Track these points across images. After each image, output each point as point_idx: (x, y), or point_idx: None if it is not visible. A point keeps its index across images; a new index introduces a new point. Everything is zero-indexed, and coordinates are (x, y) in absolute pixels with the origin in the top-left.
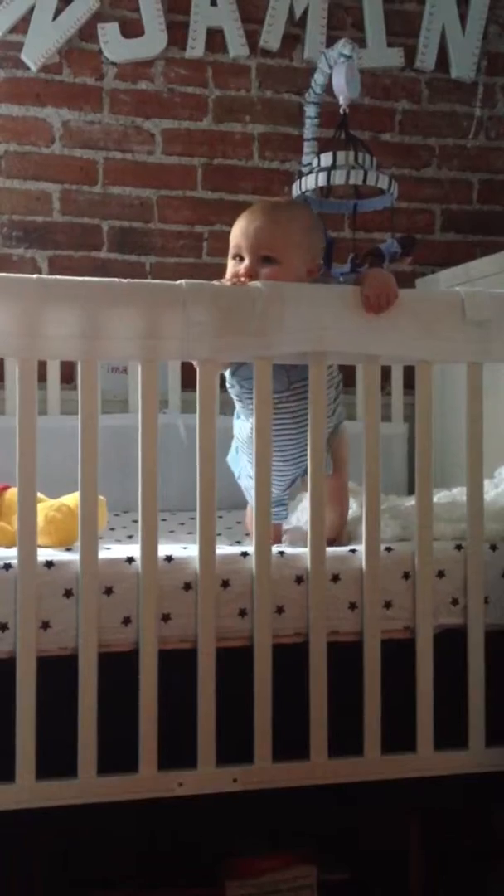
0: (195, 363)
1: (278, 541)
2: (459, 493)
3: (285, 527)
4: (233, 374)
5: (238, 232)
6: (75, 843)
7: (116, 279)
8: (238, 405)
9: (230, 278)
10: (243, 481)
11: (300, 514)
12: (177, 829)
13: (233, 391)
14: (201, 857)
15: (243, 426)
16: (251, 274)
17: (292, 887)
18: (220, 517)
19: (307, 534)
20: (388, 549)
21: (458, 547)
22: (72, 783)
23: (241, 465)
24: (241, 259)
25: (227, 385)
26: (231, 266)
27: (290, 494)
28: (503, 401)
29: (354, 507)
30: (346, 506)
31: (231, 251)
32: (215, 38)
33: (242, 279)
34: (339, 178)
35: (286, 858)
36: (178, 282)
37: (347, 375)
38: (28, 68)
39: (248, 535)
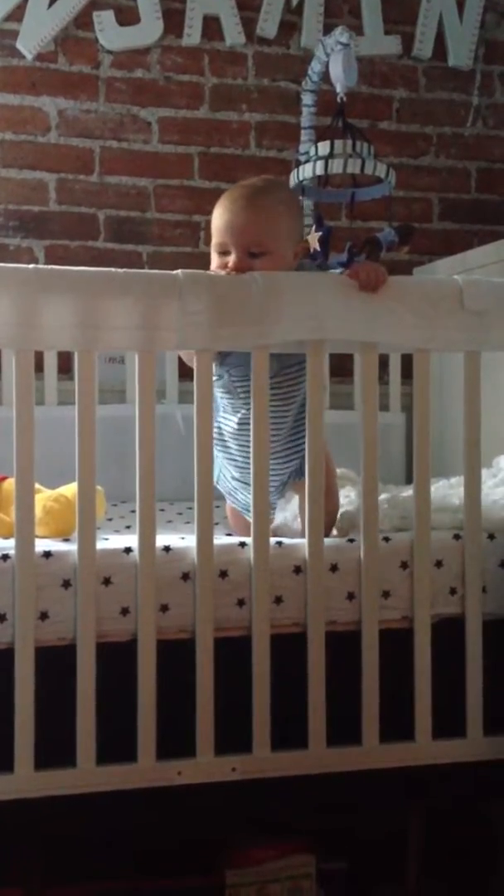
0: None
1: None
2: (457, 483)
3: (273, 525)
4: (220, 363)
5: (221, 227)
6: (74, 833)
7: (113, 269)
8: (223, 399)
9: (219, 270)
10: (224, 484)
11: (287, 514)
12: (176, 819)
13: (219, 383)
14: (200, 847)
15: (226, 421)
16: (241, 269)
17: (291, 876)
18: (218, 507)
19: (295, 533)
20: (386, 539)
21: (456, 536)
22: (71, 773)
23: (220, 465)
24: (228, 253)
25: (214, 377)
26: (217, 259)
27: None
28: (501, 390)
29: (353, 497)
30: (335, 502)
31: (216, 246)
32: (212, 26)
33: (233, 273)
34: (336, 166)
35: (285, 848)
36: (174, 272)
37: (345, 365)
38: (23, 57)
39: (229, 535)
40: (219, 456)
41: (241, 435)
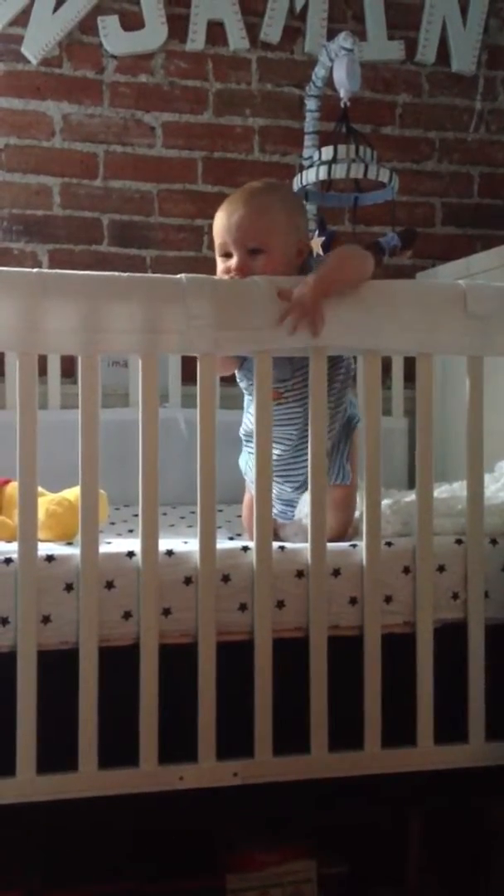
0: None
1: (276, 536)
2: (460, 488)
3: (292, 519)
4: (240, 368)
5: (221, 227)
6: (76, 837)
7: (116, 273)
8: (248, 398)
9: (223, 274)
10: (250, 475)
11: (301, 507)
12: (178, 823)
13: (243, 385)
14: (202, 851)
15: (251, 419)
16: (243, 269)
17: (292, 881)
18: (221, 511)
19: (306, 528)
20: (389, 544)
21: (459, 541)
22: (73, 777)
23: (247, 458)
24: (230, 255)
25: (238, 379)
26: (220, 263)
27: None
28: (503, 395)
29: (356, 502)
30: (352, 512)
31: (218, 248)
32: (216, 31)
33: (236, 276)
34: (339, 171)
35: (286, 852)
36: (177, 276)
37: None
38: (28, 61)
39: (239, 535)
40: (245, 449)
41: None
